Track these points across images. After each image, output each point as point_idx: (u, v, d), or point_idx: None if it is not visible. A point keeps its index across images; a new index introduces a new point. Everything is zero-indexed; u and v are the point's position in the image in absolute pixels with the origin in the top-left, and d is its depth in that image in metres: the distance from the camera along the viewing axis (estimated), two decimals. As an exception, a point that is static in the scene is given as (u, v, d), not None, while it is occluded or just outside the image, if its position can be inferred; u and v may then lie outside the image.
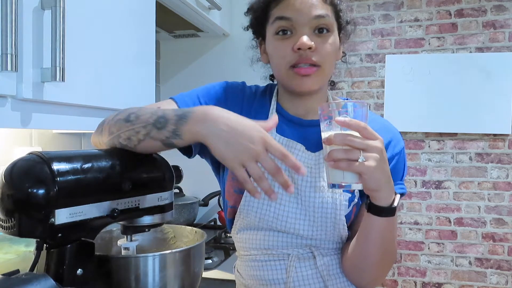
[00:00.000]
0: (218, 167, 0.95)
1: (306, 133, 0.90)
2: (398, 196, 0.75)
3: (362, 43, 2.81)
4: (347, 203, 0.86)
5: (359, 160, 0.67)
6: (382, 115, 2.76)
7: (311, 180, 0.86)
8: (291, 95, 0.91)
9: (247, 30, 0.97)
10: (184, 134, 0.64)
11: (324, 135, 0.72)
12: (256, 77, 1.02)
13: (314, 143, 0.89)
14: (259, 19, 0.90)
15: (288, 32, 0.84)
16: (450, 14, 2.70)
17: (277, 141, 0.87)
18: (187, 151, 0.89)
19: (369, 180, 0.68)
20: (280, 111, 0.92)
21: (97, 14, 0.92)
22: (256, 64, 0.99)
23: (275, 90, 0.96)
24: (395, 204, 0.74)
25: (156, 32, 1.30)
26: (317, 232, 0.86)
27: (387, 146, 0.87)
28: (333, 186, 0.71)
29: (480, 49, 2.66)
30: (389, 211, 0.74)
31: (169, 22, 1.76)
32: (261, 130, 0.63)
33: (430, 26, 2.73)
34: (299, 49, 0.81)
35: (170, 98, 0.89)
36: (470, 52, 2.67)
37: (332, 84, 1.00)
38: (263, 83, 1.01)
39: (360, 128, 0.67)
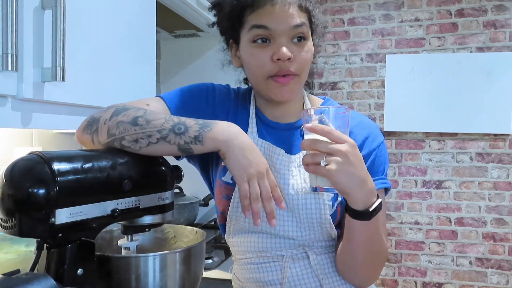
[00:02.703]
0: (207, 172, 0.95)
1: (285, 136, 0.91)
2: (378, 200, 0.74)
3: (363, 43, 2.81)
4: (331, 203, 0.86)
5: (321, 163, 0.69)
6: (382, 115, 2.76)
7: (293, 182, 0.86)
8: (267, 101, 0.92)
9: (212, 27, 0.95)
10: (207, 140, 0.70)
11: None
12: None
13: (292, 146, 0.90)
14: (232, 23, 0.87)
15: (267, 41, 0.82)
16: (451, 14, 2.69)
17: (260, 145, 0.88)
18: None
19: (335, 183, 0.70)
20: (259, 115, 0.93)
21: (97, 14, 0.92)
22: (228, 67, 0.98)
23: (252, 95, 0.95)
24: (372, 208, 0.73)
25: (157, 32, 1.30)
26: (306, 233, 0.86)
27: (363, 143, 0.88)
28: (314, 189, 0.75)
29: (480, 49, 2.66)
30: (364, 215, 0.73)
31: (170, 22, 1.76)
32: (265, 161, 0.72)
33: (431, 26, 2.72)
34: (278, 59, 0.81)
35: (158, 96, 0.89)
36: (471, 52, 2.67)
37: (311, 87, 1.01)
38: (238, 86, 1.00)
39: (324, 133, 0.69)
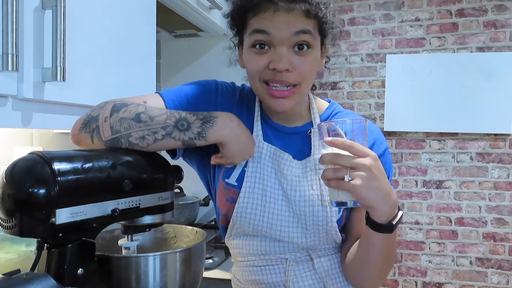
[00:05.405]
0: (205, 171, 0.93)
1: (290, 141, 0.89)
2: (400, 212, 0.73)
3: (363, 43, 2.81)
4: (337, 209, 0.85)
5: (345, 179, 0.67)
6: (382, 115, 2.76)
7: (299, 189, 0.84)
8: None
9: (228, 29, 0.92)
10: (209, 136, 0.75)
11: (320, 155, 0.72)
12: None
13: (298, 151, 0.87)
14: (237, 25, 0.85)
15: (266, 47, 0.79)
16: (451, 14, 2.69)
17: (265, 149, 0.86)
18: (172, 152, 0.87)
19: (359, 198, 0.67)
20: (264, 117, 0.90)
21: (97, 14, 0.92)
22: (236, 65, 0.94)
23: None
24: (395, 221, 0.71)
25: (157, 31, 1.30)
26: (311, 239, 0.85)
27: (371, 148, 0.84)
28: (336, 204, 0.72)
29: (481, 49, 2.66)
30: (387, 228, 0.72)
31: (170, 21, 1.76)
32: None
33: (431, 26, 2.72)
34: (274, 69, 0.77)
35: (157, 92, 0.86)
36: (471, 51, 2.67)
37: (314, 89, 0.97)
38: (245, 82, 0.99)
39: (346, 147, 0.67)
